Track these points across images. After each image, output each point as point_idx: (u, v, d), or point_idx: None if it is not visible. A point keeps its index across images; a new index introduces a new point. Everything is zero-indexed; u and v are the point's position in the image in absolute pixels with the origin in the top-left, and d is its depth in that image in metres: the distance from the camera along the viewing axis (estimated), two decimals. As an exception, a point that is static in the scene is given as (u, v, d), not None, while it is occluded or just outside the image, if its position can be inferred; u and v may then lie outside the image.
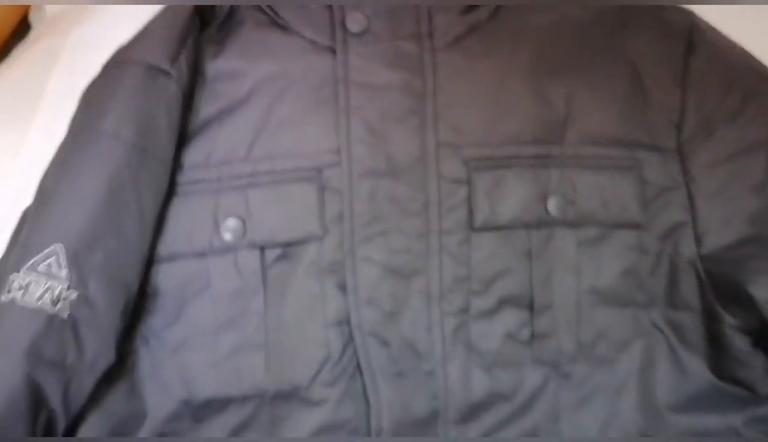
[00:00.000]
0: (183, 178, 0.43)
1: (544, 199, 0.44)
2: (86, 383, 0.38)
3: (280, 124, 0.44)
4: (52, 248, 0.37)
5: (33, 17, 0.58)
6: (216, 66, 0.45)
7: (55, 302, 0.37)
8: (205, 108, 0.44)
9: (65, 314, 0.37)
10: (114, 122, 0.40)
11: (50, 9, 0.61)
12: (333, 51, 0.45)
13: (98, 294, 0.38)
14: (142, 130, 0.40)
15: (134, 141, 0.40)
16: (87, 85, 0.43)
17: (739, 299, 0.42)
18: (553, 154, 0.45)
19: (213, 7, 0.47)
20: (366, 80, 0.44)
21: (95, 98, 0.42)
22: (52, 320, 0.37)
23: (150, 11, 0.50)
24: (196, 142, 0.44)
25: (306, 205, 0.43)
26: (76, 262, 0.38)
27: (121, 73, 0.42)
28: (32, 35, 0.58)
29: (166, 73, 0.41)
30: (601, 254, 0.45)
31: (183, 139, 0.43)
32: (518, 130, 0.45)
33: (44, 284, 0.37)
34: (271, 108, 0.44)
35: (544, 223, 0.44)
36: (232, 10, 0.47)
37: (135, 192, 0.40)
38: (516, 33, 0.46)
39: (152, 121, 0.41)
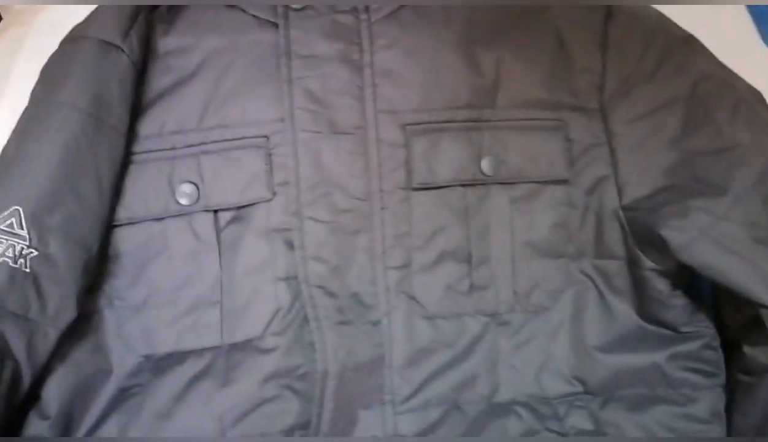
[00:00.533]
0: (138, 147, 0.46)
1: (478, 159, 0.48)
2: (50, 336, 0.42)
3: (228, 95, 0.47)
4: (12, 209, 0.41)
5: (2, 8, 0.62)
6: (167, 42, 0.48)
7: (16, 258, 0.40)
8: (158, 81, 0.47)
9: (27, 268, 0.40)
10: (70, 93, 0.43)
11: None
12: (276, 25, 0.48)
13: (58, 252, 0.41)
14: (97, 101, 0.43)
15: (90, 110, 0.43)
16: (45, 62, 0.46)
17: (656, 244, 0.45)
18: (485, 118, 0.48)
19: None
20: (307, 52, 0.47)
21: (53, 72, 0.45)
22: (14, 273, 0.40)
23: None
24: (150, 113, 0.47)
25: (254, 170, 0.46)
26: (35, 222, 0.41)
27: (76, 48, 0.45)
28: (1, 25, 0.61)
29: (118, 48, 0.44)
30: (533, 210, 0.48)
31: (137, 110, 0.47)
32: (452, 96, 0.48)
33: (5, 242, 0.40)
34: (219, 80, 0.47)
35: (479, 182, 0.48)
36: None
37: (92, 158, 0.43)
38: (446, 5, 0.49)
39: (106, 93, 0.44)
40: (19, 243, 0.40)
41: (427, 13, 0.49)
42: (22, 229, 0.40)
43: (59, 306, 0.41)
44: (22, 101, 0.46)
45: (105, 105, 0.44)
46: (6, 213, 0.40)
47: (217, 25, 0.48)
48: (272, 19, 0.48)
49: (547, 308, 0.48)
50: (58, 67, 0.45)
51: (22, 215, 0.40)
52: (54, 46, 0.47)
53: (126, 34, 0.45)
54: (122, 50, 0.45)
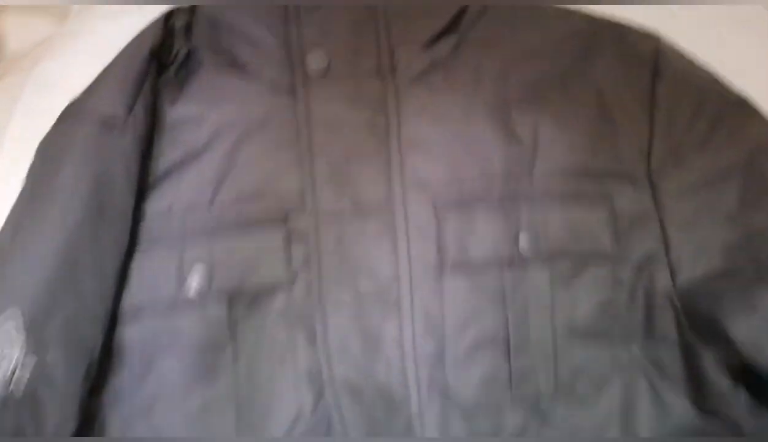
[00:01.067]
0: (145, 229, 0.43)
1: (515, 235, 0.44)
2: None
3: (243, 168, 0.43)
4: (8, 312, 0.37)
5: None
6: (175, 112, 0.44)
7: (8, 381, 0.36)
8: (166, 155, 0.44)
9: (20, 392, 0.36)
10: (70, 179, 0.39)
11: (13, 45, 0.61)
12: (294, 91, 0.44)
13: (58, 361, 0.37)
14: (100, 186, 0.40)
15: (91, 197, 0.39)
16: (42, 139, 0.42)
17: (717, 335, 0.41)
18: (522, 189, 0.44)
19: (171, 49, 0.46)
20: (328, 120, 0.43)
21: (50, 153, 0.41)
22: (5, 401, 0.36)
23: (119, 42, 0.50)
24: (158, 191, 0.43)
25: (273, 250, 0.42)
26: (33, 328, 0.37)
27: (75, 127, 0.41)
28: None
29: (122, 124, 0.41)
30: (576, 289, 0.44)
31: (144, 188, 0.43)
32: (486, 167, 0.44)
33: None
34: (233, 153, 0.44)
35: (517, 260, 0.44)
36: (190, 54, 0.46)
37: (94, 250, 0.39)
38: (479, 66, 0.46)
39: (109, 175, 0.40)
40: (14, 355, 0.36)
41: (457, 76, 0.45)
42: (20, 334, 0.36)
43: (58, 422, 0.37)
44: (16, 166, 0.42)
45: (108, 189, 0.40)
46: (1, 316, 0.36)
47: (229, 92, 0.45)
48: (290, 85, 0.44)
49: (593, 399, 0.44)
50: (56, 149, 0.41)
51: (21, 319, 0.37)
52: (48, 105, 0.43)
53: (130, 108, 0.41)
54: (127, 126, 0.41)
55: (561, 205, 0.44)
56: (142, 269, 0.42)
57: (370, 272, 0.42)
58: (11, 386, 0.35)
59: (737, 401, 0.41)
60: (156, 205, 0.43)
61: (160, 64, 0.46)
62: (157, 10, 0.52)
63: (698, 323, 0.42)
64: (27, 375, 0.36)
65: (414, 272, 0.43)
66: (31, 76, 0.55)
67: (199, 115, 0.44)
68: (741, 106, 0.44)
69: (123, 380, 0.42)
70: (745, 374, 0.42)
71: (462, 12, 0.46)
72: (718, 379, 0.41)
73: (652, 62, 0.46)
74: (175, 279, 0.42)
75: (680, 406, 0.43)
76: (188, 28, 0.47)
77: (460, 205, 0.44)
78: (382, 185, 0.43)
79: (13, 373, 0.36)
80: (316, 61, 0.44)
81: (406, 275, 0.43)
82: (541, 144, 0.45)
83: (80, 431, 0.39)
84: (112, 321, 0.41)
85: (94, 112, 0.41)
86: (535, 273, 0.44)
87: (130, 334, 0.42)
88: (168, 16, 0.47)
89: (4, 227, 0.40)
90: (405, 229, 0.43)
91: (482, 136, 0.44)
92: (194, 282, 0.42)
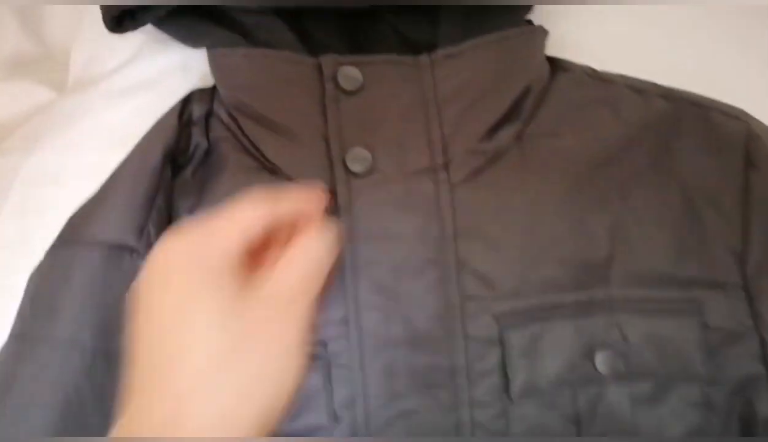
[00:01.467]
0: None
1: (590, 353, 0.38)
2: None
3: None
4: None
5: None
6: None
7: None
8: None
9: None
10: (70, 325, 0.34)
11: (2, 114, 0.55)
12: (333, 196, 0.39)
13: None
14: (105, 330, 0.34)
15: (96, 346, 0.34)
16: (35, 269, 0.36)
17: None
18: (598, 299, 0.39)
19: (187, 144, 0.41)
20: (374, 230, 0.38)
21: (44, 292, 0.35)
22: None
23: (121, 128, 0.44)
24: None
25: (310, 388, 0.37)
26: None
27: (75, 256, 0.35)
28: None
29: (131, 251, 0.35)
30: (661, 413, 0.38)
31: None
32: (556, 274, 0.38)
33: None
34: None
35: (593, 381, 0.38)
36: (210, 150, 0.41)
37: (99, 409, 0.33)
38: (546, 159, 0.40)
39: (118, 316, 0.34)
40: None
41: (521, 171, 0.40)
42: None
43: None
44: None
45: (117, 334, 0.34)
46: None
47: None
48: (328, 188, 0.39)
49: None
50: (50, 286, 0.35)
51: None
52: (39, 202, 0.38)
53: (142, 228, 0.36)
54: (138, 252, 0.35)
55: (642, 318, 0.39)
56: None
57: (425, 405, 0.37)
58: None
59: None
60: None
61: (175, 162, 0.40)
62: (166, 88, 0.46)
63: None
64: None
65: (475, 401, 0.37)
66: (22, 169, 0.47)
67: None
68: None
69: None
70: None
71: (524, 95, 0.40)
72: None
73: (744, 149, 0.40)
74: None
75: None
76: (207, 118, 0.42)
77: (527, 320, 0.38)
78: (437, 302, 0.38)
79: None
80: (358, 160, 0.38)
81: (466, 405, 0.37)
82: (618, 247, 0.39)
83: None
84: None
85: (98, 239, 0.35)
86: (613, 395, 0.38)
87: None
88: (183, 105, 0.41)
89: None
90: (464, 350, 0.37)
91: (551, 240, 0.39)
92: None
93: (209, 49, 0.40)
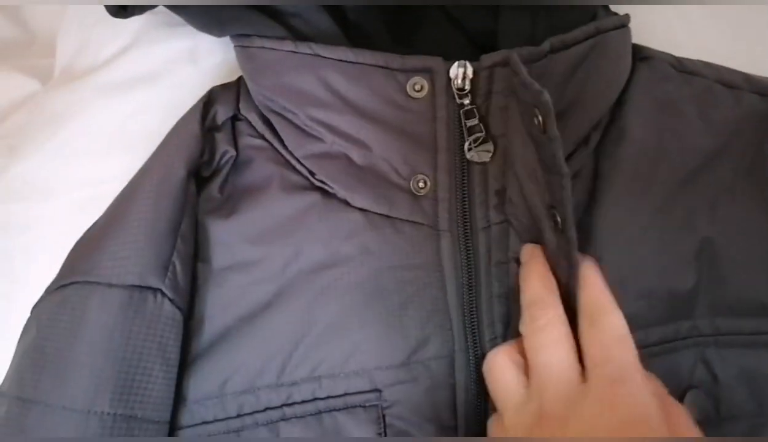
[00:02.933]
0: (187, 419, 0.31)
1: (678, 394, 0.33)
2: None
3: (324, 333, 0.31)
4: None
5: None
6: (225, 251, 0.33)
7: None
8: (216, 316, 0.32)
9: None
10: (84, 392, 0.27)
11: None
12: (392, 222, 0.33)
13: None
14: (126, 391, 0.28)
15: (115, 412, 0.27)
16: (36, 306, 0.30)
17: None
18: (684, 333, 0.33)
19: (212, 158, 0.34)
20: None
21: (48, 346, 0.29)
22: None
23: (118, 132, 0.38)
24: (204, 366, 0.31)
25: None
26: None
27: (86, 304, 0.29)
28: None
29: (155, 291, 0.29)
30: (755, 460, 0.34)
31: (184, 364, 0.31)
32: (639, 309, 0.33)
33: None
34: (310, 311, 0.32)
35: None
36: (240, 159, 0.34)
37: None
38: (624, 172, 0.34)
39: (140, 370, 0.28)
40: None
41: (596, 185, 0.34)
42: None
43: None
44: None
45: (139, 392, 0.28)
46: None
47: (301, 220, 0.32)
48: (406, 218, 0.33)
49: None
50: (57, 338, 0.29)
51: None
52: (28, 215, 0.34)
53: (165, 267, 0.29)
54: (162, 293, 0.29)
55: (736, 353, 0.33)
56: None
57: None
58: None
59: None
60: (202, 385, 0.31)
61: (198, 176, 0.34)
62: (172, 80, 0.40)
63: None
64: None
65: None
66: (3, 178, 0.41)
67: (258, 256, 0.32)
68: None
69: None
70: None
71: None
72: None
73: None
74: None
75: None
76: (234, 121, 0.35)
77: None
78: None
79: None
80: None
81: None
82: (708, 271, 0.33)
83: None
84: None
85: (114, 280, 0.29)
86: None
87: None
88: (205, 107, 0.35)
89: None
90: None
91: (633, 268, 0.33)
92: None
93: (245, 37, 0.33)
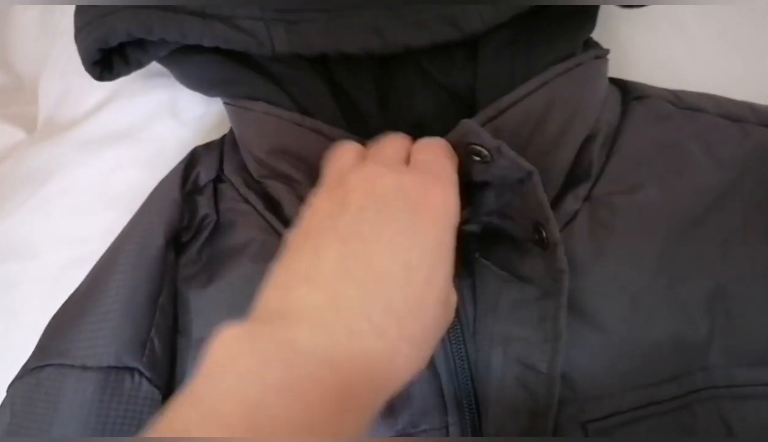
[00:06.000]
0: None
1: None
2: None
3: None
4: None
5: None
6: (202, 321, 0.31)
7: None
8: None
9: None
10: None
11: None
12: None
13: None
14: None
15: None
16: (8, 391, 0.29)
17: None
18: (697, 387, 0.31)
19: (191, 223, 0.32)
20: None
21: (23, 432, 0.27)
22: None
23: (99, 191, 0.37)
24: None
25: None
26: None
27: (61, 386, 0.27)
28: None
29: (133, 372, 0.28)
30: None
31: None
32: (648, 364, 0.31)
33: None
34: None
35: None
36: (221, 223, 0.33)
37: None
38: (625, 220, 0.32)
39: None
40: None
41: (595, 236, 0.32)
42: None
43: None
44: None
45: None
46: None
47: None
48: None
49: None
50: (32, 428, 0.27)
51: None
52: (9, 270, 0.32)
53: (143, 344, 0.28)
54: (140, 373, 0.28)
55: (752, 406, 0.31)
56: None
57: None
58: None
59: None
60: None
61: (177, 241, 0.32)
62: (152, 136, 0.38)
63: None
64: None
65: None
66: None
67: None
68: None
69: None
70: None
71: (587, 143, 0.32)
72: None
73: None
74: None
75: None
76: (216, 185, 0.34)
77: (618, 424, 0.31)
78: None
79: None
80: None
81: None
82: (720, 320, 0.32)
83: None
84: None
85: (89, 363, 0.28)
86: (718, 500, 0.31)
87: None
88: (186, 169, 0.33)
89: None
90: None
91: (640, 320, 0.31)
92: None
93: (234, 100, 0.32)
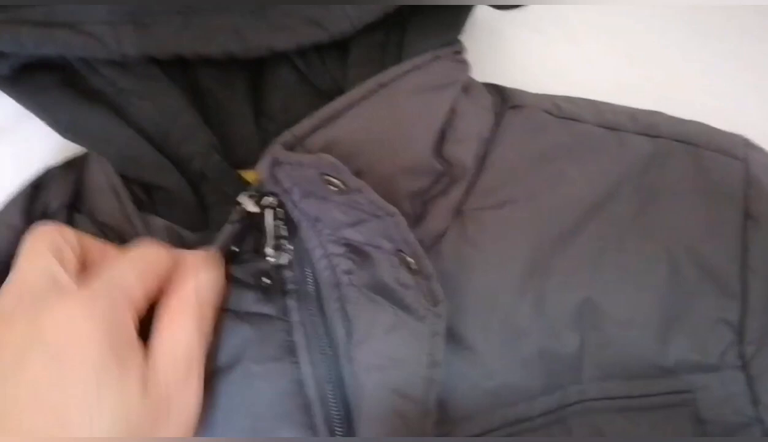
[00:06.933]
0: None
1: None
2: None
3: None
4: None
5: None
6: None
7: None
8: None
9: None
10: None
11: None
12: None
13: None
14: None
15: None
16: None
17: None
18: (570, 401, 0.31)
19: None
20: None
21: None
22: None
23: None
24: None
25: None
26: None
27: None
28: None
29: None
30: None
31: None
32: (519, 380, 0.31)
33: None
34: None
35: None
36: None
37: None
38: (495, 236, 0.31)
39: None
40: None
41: (462, 255, 0.31)
42: None
43: None
44: None
45: None
46: None
47: None
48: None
49: None
50: None
51: None
52: None
53: None
54: None
55: (625, 419, 0.31)
56: None
57: None
58: None
59: None
60: None
61: None
62: (20, 137, 0.36)
63: None
64: None
65: None
66: None
67: None
68: None
69: None
70: None
71: (437, 151, 0.31)
72: None
73: (741, 198, 0.32)
74: None
75: None
76: (71, 210, 0.32)
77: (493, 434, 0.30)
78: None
79: None
80: None
81: None
82: (591, 332, 0.31)
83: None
84: None
85: None
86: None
87: None
88: (33, 191, 0.32)
89: None
90: None
91: (507, 336, 0.31)
92: None
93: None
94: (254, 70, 0.35)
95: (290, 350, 0.30)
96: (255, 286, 0.30)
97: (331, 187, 0.27)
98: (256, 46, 0.29)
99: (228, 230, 0.30)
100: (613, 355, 0.31)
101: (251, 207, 0.29)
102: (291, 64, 0.34)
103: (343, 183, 0.27)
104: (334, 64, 0.33)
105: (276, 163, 0.28)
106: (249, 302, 0.30)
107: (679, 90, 0.38)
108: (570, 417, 0.31)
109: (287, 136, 0.29)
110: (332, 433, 0.29)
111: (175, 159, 0.32)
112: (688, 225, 0.32)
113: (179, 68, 0.33)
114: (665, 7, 0.41)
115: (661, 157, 0.33)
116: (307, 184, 0.28)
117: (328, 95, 0.31)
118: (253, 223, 0.30)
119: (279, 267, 0.31)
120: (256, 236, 0.31)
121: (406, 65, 0.30)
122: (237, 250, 0.30)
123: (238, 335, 0.30)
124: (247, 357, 0.30)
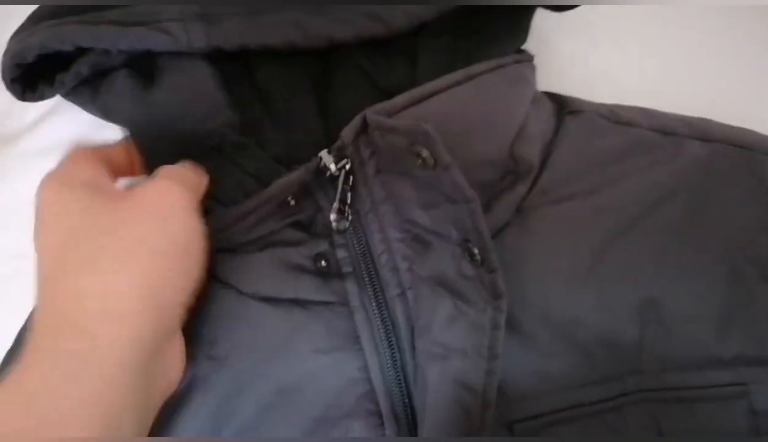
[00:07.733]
0: None
1: None
2: None
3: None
4: None
5: None
6: None
7: None
8: None
9: None
10: None
11: None
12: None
13: None
14: None
15: None
16: None
17: None
18: (628, 391, 0.32)
19: None
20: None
21: None
22: None
23: None
24: None
25: None
26: None
27: None
28: None
29: None
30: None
31: None
32: (576, 367, 0.32)
33: None
34: None
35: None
36: None
37: None
38: (556, 231, 0.33)
39: None
40: None
41: (524, 246, 0.33)
42: None
43: None
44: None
45: None
46: None
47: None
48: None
49: None
50: None
51: None
52: None
53: None
54: None
55: (682, 409, 0.32)
56: None
57: None
58: None
59: None
60: None
61: None
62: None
63: None
64: None
65: None
66: None
67: None
68: None
69: None
70: None
71: (511, 153, 0.32)
72: None
73: None
74: None
75: None
76: None
77: (545, 425, 0.31)
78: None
79: None
80: None
81: None
82: (650, 326, 0.32)
83: None
84: None
85: None
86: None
87: None
88: None
89: None
90: None
91: (568, 324, 0.32)
92: None
93: None
94: (321, 72, 0.36)
95: (353, 338, 0.31)
96: (312, 270, 0.32)
97: (417, 161, 0.27)
98: (315, 35, 0.31)
99: (295, 174, 0.30)
100: (673, 347, 0.32)
101: (330, 163, 0.30)
102: (358, 67, 0.36)
103: (433, 156, 0.27)
104: (401, 68, 0.35)
105: (364, 128, 0.29)
106: (309, 289, 0.31)
107: (724, 96, 0.39)
108: (626, 406, 0.32)
109: (377, 108, 0.30)
110: (397, 422, 0.30)
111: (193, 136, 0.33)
112: (745, 225, 0.33)
113: (244, 69, 0.35)
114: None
115: (715, 159, 0.34)
116: (391, 155, 0.29)
117: (391, 95, 0.33)
118: (312, 188, 0.31)
119: (333, 248, 0.32)
120: (312, 205, 0.32)
121: (491, 63, 0.32)
122: (293, 202, 0.31)
123: (288, 321, 0.31)
124: (303, 345, 0.31)
